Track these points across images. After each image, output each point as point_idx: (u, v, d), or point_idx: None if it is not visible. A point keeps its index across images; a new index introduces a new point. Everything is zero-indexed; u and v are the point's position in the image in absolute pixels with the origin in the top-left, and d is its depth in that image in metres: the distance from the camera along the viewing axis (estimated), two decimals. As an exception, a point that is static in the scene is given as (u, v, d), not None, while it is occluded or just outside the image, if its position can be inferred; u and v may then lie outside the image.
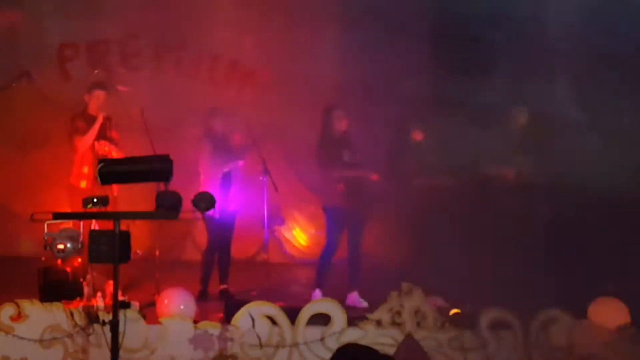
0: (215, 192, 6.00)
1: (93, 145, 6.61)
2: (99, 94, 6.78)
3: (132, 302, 5.46)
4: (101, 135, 6.66)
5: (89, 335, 5.16)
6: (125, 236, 4.27)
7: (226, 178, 6.79)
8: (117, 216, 4.34)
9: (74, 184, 6.63)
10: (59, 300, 5.35)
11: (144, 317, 5.36)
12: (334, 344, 5.15)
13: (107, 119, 6.76)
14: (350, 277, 6.70)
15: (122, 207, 6.33)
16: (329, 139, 6.69)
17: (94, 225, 5.78)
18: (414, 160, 7.04)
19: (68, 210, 6.50)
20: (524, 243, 6.62)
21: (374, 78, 8.48)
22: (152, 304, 5.70)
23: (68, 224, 5.81)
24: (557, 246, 6.59)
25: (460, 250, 6.70)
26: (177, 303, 5.43)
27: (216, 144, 6.80)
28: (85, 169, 6.61)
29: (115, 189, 6.48)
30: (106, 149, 6.55)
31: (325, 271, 6.65)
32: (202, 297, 6.49)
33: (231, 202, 6.77)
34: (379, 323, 5.44)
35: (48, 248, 5.58)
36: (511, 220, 6.69)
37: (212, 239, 6.83)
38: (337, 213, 6.64)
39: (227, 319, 5.45)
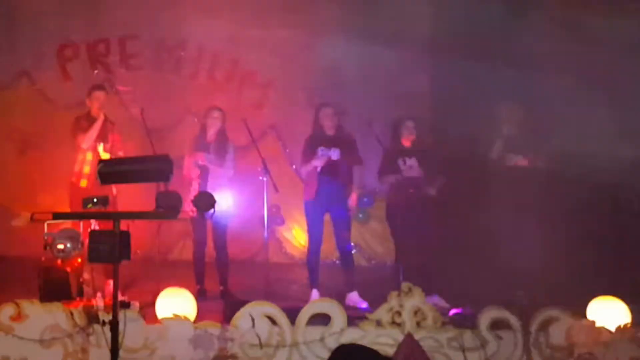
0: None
1: (94, 146, 6.63)
2: (99, 94, 6.82)
3: (132, 302, 5.46)
4: (103, 137, 6.67)
5: (89, 335, 5.15)
6: (125, 236, 4.27)
7: (203, 175, 6.77)
8: (117, 216, 4.34)
9: (75, 183, 6.65)
10: (59, 300, 5.34)
11: (144, 317, 5.36)
12: (334, 344, 5.14)
13: (110, 122, 6.78)
14: (344, 275, 6.71)
15: (122, 207, 6.35)
16: (315, 136, 6.74)
17: (94, 225, 5.79)
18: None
19: (68, 208, 6.52)
20: (526, 241, 6.63)
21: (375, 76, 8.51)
22: (152, 304, 5.69)
23: (68, 223, 5.81)
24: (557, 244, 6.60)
25: (460, 248, 6.71)
26: (177, 303, 5.43)
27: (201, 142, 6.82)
28: (86, 169, 6.63)
29: (114, 189, 6.50)
30: (102, 153, 6.56)
31: (314, 269, 6.66)
32: (200, 296, 6.50)
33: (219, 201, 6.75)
34: (378, 323, 5.44)
35: (48, 248, 5.59)
36: (512, 218, 6.69)
37: (198, 238, 6.85)
38: (310, 207, 6.74)
39: (227, 319, 5.44)
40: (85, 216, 5.66)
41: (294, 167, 8.87)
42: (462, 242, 6.85)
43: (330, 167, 6.63)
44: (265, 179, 6.70)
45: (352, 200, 6.82)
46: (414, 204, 6.65)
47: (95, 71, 8.74)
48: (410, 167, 6.77)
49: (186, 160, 6.86)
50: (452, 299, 6.38)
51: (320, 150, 6.62)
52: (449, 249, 6.80)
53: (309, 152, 6.72)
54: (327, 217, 6.81)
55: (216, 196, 6.44)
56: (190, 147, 6.88)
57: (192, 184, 6.73)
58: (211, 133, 6.89)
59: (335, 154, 6.61)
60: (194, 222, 6.81)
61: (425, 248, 6.64)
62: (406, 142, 6.93)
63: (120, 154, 6.71)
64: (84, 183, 6.60)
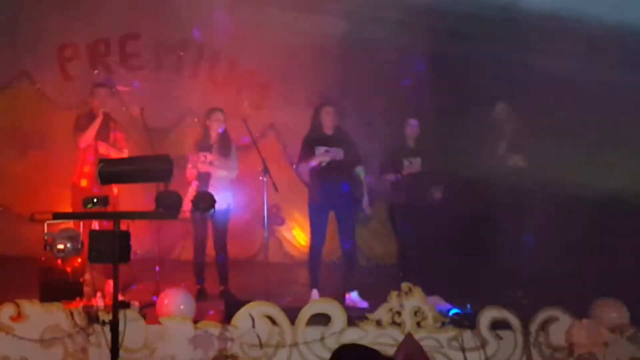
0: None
1: (94, 145, 6.64)
2: (100, 91, 6.84)
3: (132, 302, 5.46)
4: (103, 135, 6.67)
5: (89, 335, 5.16)
6: (125, 236, 4.27)
7: (203, 177, 6.77)
8: (117, 216, 4.34)
9: (75, 182, 6.66)
10: (59, 300, 5.35)
11: (144, 317, 5.36)
12: (334, 344, 5.15)
13: (113, 120, 6.78)
14: (345, 275, 6.70)
15: (123, 206, 6.34)
16: (313, 136, 6.72)
17: (95, 225, 5.79)
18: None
19: (69, 207, 6.52)
20: (522, 241, 6.64)
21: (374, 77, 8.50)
22: (152, 304, 5.70)
23: (68, 223, 5.81)
24: (557, 244, 6.60)
25: (458, 248, 6.71)
26: (177, 303, 5.43)
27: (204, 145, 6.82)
28: (86, 168, 6.63)
29: (115, 188, 6.50)
30: (102, 150, 6.57)
31: (316, 270, 6.65)
32: (200, 296, 6.50)
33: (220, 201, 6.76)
34: (379, 323, 5.44)
35: (48, 248, 5.58)
36: (509, 217, 6.69)
37: (198, 238, 6.85)
38: (315, 209, 6.70)
39: (227, 319, 5.45)
40: (85, 216, 5.66)
41: (295, 166, 8.86)
42: (462, 242, 6.84)
43: (334, 167, 6.62)
44: (265, 179, 6.70)
45: (365, 203, 6.82)
46: (417, 204, 6.67)
47: (96, 71, 8.73)
48: (415, 166, 6.82)
49: (189, 161, 6.84)
50: (452, 299, 6.38)
51: (323, 149, 6.61)
52: (449, 248, 6.79)
53: (308, 151, 6.70)
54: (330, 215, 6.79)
55: (217, 197, 6.53)
56: (193, 149, 6.86)
57: (192, 184, 6.72)
58: (214, 135, 6.88)
59: (339, 154, 6.61)
60: (194, 222, 6.81)
61: (428, 247, 6.65)
62: (410, 142, 6.96)
63: (126, 151, 6.73)
64: (84, 182, 6.60)
